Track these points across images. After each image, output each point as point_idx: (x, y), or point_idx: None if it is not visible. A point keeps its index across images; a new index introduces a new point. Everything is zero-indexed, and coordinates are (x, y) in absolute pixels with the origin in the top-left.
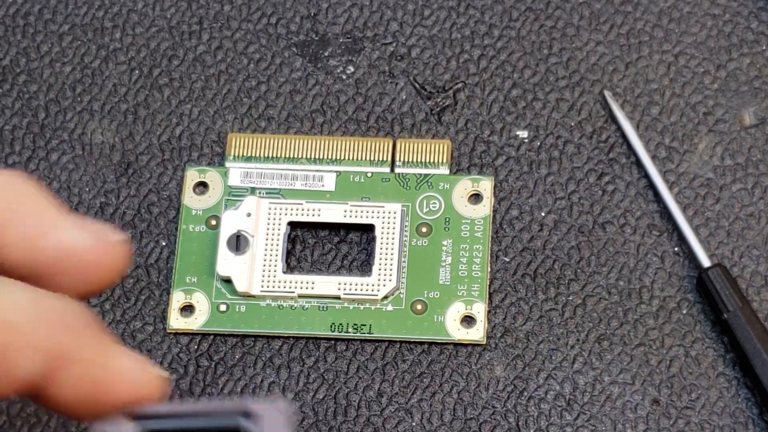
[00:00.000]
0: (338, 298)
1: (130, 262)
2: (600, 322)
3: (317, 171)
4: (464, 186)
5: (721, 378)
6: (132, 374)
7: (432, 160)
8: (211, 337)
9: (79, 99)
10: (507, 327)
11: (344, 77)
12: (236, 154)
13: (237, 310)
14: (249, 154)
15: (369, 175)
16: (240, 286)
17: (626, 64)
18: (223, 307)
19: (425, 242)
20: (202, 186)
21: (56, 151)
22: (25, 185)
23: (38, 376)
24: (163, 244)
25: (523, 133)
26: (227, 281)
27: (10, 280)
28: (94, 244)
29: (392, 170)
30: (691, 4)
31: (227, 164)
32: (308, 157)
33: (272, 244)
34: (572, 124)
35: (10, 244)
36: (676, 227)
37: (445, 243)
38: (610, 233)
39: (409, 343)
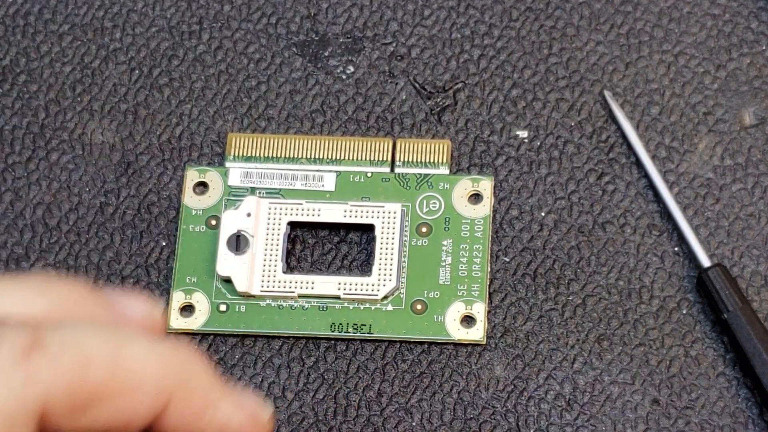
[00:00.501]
0: (338, 298)
1: None
2: (600, 322)
3: (317, 171)
4: (464, 186)
5: (721, 378)
6: None
7: (432, 160)
8: (211, 337)
9: (79, 99)
10: (507, 327)
11: (344, 77)
12: (236, 154)
13: (237, 310)
14: (249, 154)
15: (369, 175)
16: (240, 286)
17: (626, 64)
18: (223, 307)
19: (425, 242)
20: (202, 186)
21: (56, 151)
22: (193, 361)
23: None
24: (163, 244)
25: (523, 133)
26: (227, 281)
27: None
28: (248, 422)
29: (392, 170)
30: (691, 4)
31: (227, 164)
32: (308, 157)
33: (272, 244)
34: (572, 124)
35: (172, 421)
36: (676, 227)
37: (445, 243)
38: (610, 233)
39: (409, 343)
